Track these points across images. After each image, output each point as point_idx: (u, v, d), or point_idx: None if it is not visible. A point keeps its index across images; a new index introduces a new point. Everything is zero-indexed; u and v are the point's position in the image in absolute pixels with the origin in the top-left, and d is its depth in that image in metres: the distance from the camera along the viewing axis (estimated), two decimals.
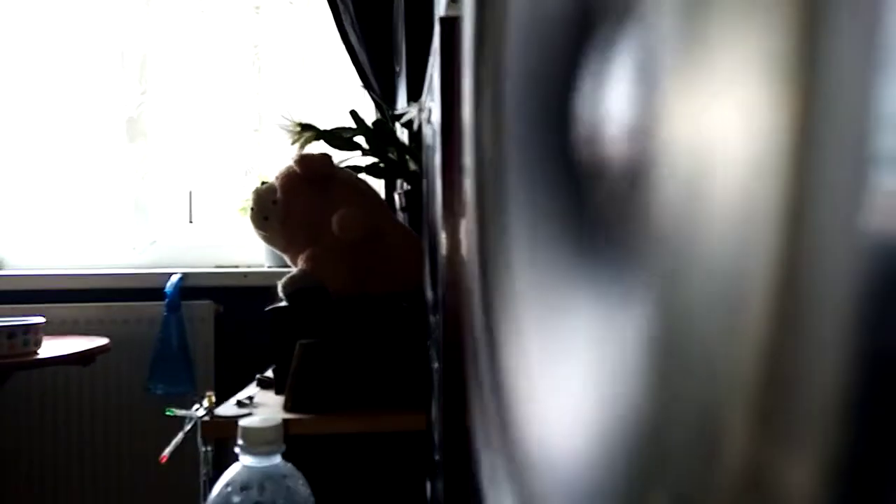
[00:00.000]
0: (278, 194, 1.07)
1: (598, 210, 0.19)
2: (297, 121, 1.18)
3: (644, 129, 0.15)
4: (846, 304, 0.08)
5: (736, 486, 0.10)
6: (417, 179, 1.13)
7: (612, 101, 0.18)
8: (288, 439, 0.67)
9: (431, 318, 0.69)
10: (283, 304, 1.07)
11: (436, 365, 0.62)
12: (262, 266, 1.90)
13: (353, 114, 1.20)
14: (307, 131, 1.17)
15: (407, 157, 1.20)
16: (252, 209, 1.08)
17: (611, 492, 0.16)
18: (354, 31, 1.70)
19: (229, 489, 0.63)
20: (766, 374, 0.10)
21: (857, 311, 0.08)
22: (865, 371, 0.08)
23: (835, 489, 0.09)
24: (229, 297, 1.85)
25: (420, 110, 0.93)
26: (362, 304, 1.06)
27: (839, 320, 0.08)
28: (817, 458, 0.09)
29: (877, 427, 0.08)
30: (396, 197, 1.31)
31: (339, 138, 1.17)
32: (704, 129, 0.12)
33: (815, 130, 0.09)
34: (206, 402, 0.97)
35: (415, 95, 1.18)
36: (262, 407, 1.00)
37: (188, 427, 0.97)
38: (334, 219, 1.04)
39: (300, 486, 0.66)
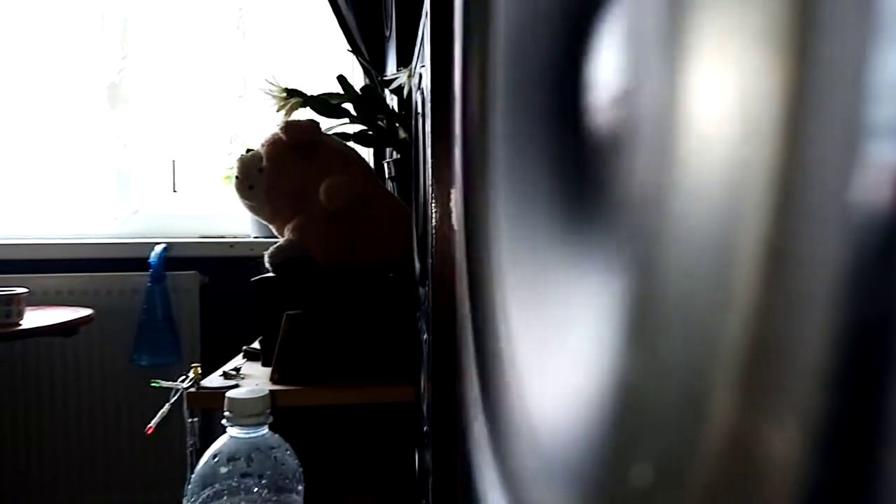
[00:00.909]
0: (264, 162, 1.05)
1: (585, 176, 0.19)
2: (283, 86, 1.15)
3: (634, 95, 0.15)
4: (831, 273, 0.08)
5: (720, 451, 0.11)
6: (407, 148, 1.11)
7: (603, 67, 0.17)
8: (275, 411, 0.66)
9: (420, 289, 0.68)
10: (270, 274, 1.05)
11: (425, 336, 0.61)
12: (247, 236, 1.88)
13: (341, 79, 1.17)
14: (293, 97, 1.14)
15: (396, 124, 1.17)
16: (237, 178, 1.06)
17: (597, 457, 0.16)
18: None
19: (216, 460, 0.63)
20: (751, 341, 0.10)
21: (841, 280, 0.08)
22: (847, 339, 0.08)
23: (816, 453, 0.09)
24: (215, 267, 1.83)
25: (410, 76, 0.91)
26: (350, 274, 1.05)
27: (823, 289, 0.08)
28: (800, 423, 0.09)
29: (858, 393, 0.08)
30: (385, 166, 1.29)
31: (326, 105, 1.15)
32: (696, 95, 0.12)
33: (808, 99, 0.09)
34: (191, 374, 0.96)
35: (405, 60, 1.16)
36: (249, 378, 0.99)
37: (174, 398, 0.96)
38: (322, 188, 1.02)
39: (288, 457, 0.65)
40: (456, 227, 0.40)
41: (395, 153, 1.23)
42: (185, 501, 0.62)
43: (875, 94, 0.08)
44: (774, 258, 0.09)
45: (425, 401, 0.62)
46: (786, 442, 0.09)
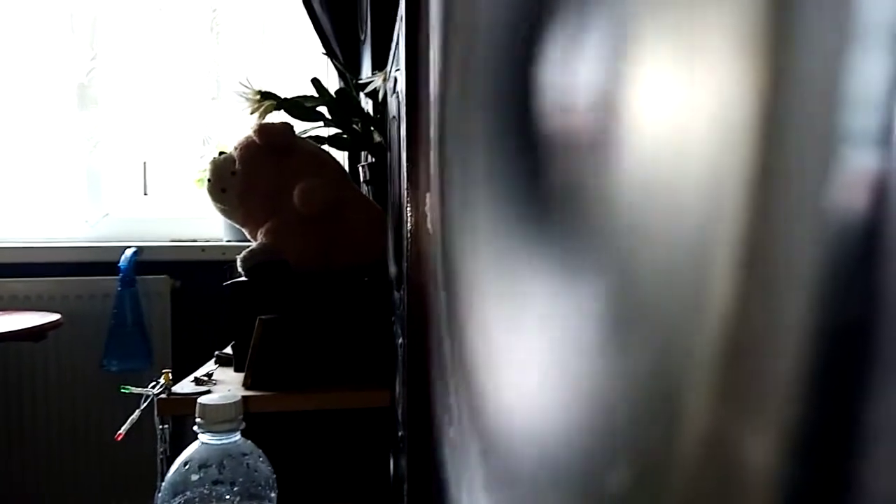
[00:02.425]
0: (237, 165, 1.04)
1: (560, 183, 0.19)
2: (257, 89, 1.14)
3: (609, 102, 0.15)
4: (806, 279, 0.08)
5: (696, 458, 0.11)
6: (382, 151, 1.11)
7: (579, 73, 0.18)
8: (248, 417, 0.65)
9: (396, 294, 0.68)
10: (243, 278, 1.04)
11: (400, 340, 0.61)
12: (220, 240, 1.85)
13: (316, 82, 1.17)
14: (267, 100, 1.13)
15: (371, 128, 1.17)
16: (209, 181, 1.05)
17: (574, 465, 0.16)
18: None
19: (188, 467, 0.62)
20: (726, 348, 0.10)
21: (816, 286, 0.08)
22: (823, 343, 0.08)
23: (792, 459, 0.09)
24: (186, 271, 1.81)
25: (385, 80, 0.91)
26: (324, 278, 1.04)
27: (799, 295, 0.08)
28: (776, 429, 0.09)
29: (833, 397, 0.08)
30: (360, 169, 1.29)
31: (300, 108, 1.14)
32: (671, 102, 0.12)
33: (783, 105, 0.09)
34: (162, 380, 0.94)
35: (380, 64, 1.15)
36: (221, 384, 0.98)
37: (144, 404, 0.94)
38: (295, 191, 1.02)
39: (261, 463, 0.64)
40: (431, 231, 0.39)
41: (369, 157, 1.23)
42: None
43: (849, 100, 0.08)
44: (750, 262, 0.09)
45: (400, 405, 0.62)
46: (762, 445, 0.09)
